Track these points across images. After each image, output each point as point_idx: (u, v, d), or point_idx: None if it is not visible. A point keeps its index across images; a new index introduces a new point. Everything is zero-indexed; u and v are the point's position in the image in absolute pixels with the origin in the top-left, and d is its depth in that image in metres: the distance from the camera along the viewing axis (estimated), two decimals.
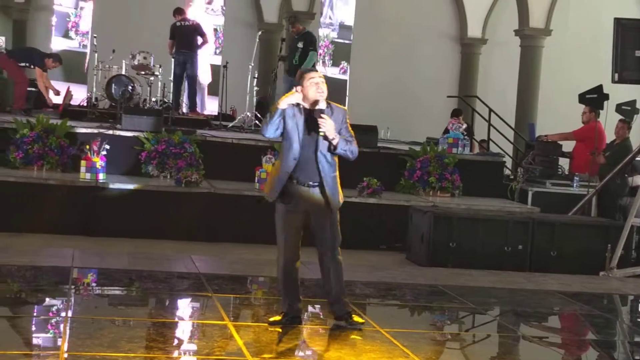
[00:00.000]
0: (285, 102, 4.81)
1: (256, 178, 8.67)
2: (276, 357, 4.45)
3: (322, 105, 4.79)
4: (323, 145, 4.82)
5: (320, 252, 4.98)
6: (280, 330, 4.94)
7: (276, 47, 17.43)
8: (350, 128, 4.94)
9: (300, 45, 10.73)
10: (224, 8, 17.37)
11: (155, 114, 9.77)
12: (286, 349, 4.59)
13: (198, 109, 12.59)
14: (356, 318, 5.00)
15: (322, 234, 4.94)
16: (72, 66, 15.30)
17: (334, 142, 4.79)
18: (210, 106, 14.68)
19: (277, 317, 5.00)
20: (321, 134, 4.76)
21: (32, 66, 11.04)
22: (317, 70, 4.96)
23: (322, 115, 4.75)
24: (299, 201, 4.87)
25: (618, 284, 7.56)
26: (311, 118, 4.79)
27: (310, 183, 4.86)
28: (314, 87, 4.81)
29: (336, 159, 4.93)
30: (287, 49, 11.28)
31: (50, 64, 11.13)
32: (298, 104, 4.82)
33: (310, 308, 5.58)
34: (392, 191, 9.42)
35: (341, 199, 4.98)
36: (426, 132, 11.74)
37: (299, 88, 4.84)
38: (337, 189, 4.93)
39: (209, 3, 17.22)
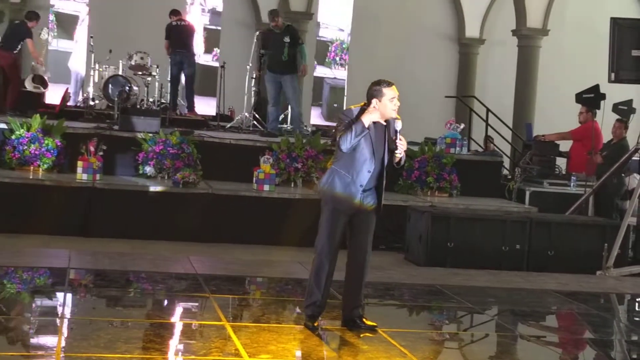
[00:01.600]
0: (368, 120, 4.78)
1: (254, 179, 8.67)
2: (273, 357, 4.44)
3: (398, 125, 4.83)
4: (388, 158, 4.89)
5: (353, 255, 4.96)
6: (278, 331, 4.94)
7: None
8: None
9: (286, 39, 10.34)
10: (222, 8, 17.38)
11: (153, 114, 9.76)
12: (284, 349, 4.58)
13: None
14: (367, 321, 5.01)
15: (364, 238, 4.93)
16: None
17: (402, 162, 4.89)
18: (208, 107, 14.68)
19: (311, 323, 4.96)
20: (398, 155, 4.81)
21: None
22: (393, 84, 4.88)
23: (401, 137, 4.80)
24: (351, 204, 4.86)
25: (615, 283, 7.57)
26: (387, 133, 4.83)
27: (367, 188, 4.87)
28: (392, 105, 4.81)
29: None
30: (270, 45, 10.63)
31: (32, 26, 11.09)
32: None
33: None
34: (390, 191, 9.41)
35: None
36: (424, 132, 11.74)
37: (376, 102, 4.81)
38: (383, 193, 4.97)
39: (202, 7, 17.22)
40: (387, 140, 4.86)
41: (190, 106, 12.06)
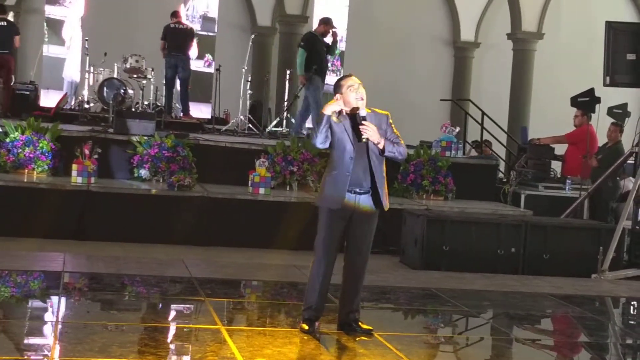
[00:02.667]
0: (329, 109, 4.82)
1: (249, 182, 8.66)
2: None
3: (362, 111, 4.82)
4: (374, 149, 4.84)
5: (351, 259, 4.94)
6: (273, 334, 4.93)
7: (269, 51, 17.48)
8: (395, 130, 4.98)
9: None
10: (215, 13, 17.36)
11: (148, 117, 9.74)
12: (279, 352, 4.57)
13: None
14: (363, 325, 5.00)
15: (360, 242, 4.92)
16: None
17: (380, 146, 4.83)
18: (202, 113, 14.66)
19: (306, 326, 4.95)
20: (363, 139, 4.79)
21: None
22: (351, 75, 4.94)
23: (364, 122, 4.78)
24: (346, 207, 4.86)
25: (610, 286, 7.58)
26: (355, 125, 4.82)
27: (361, 189, 4.86)
28: (353, 93, 4.83)
29: (384, 163, 4.94)
30: (317, 50, 10.51)
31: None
32: (341, 111, 4.84)
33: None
34: None
35: (388, 203, 4.98)
36: (419, 136, 11.75)
37: (338, 95, 4.86)
38: (385, 193, 4.94)
39: (186, 7, 17.17)
40: (355, 127, 4.83)
41: (185, 109, 12.04)
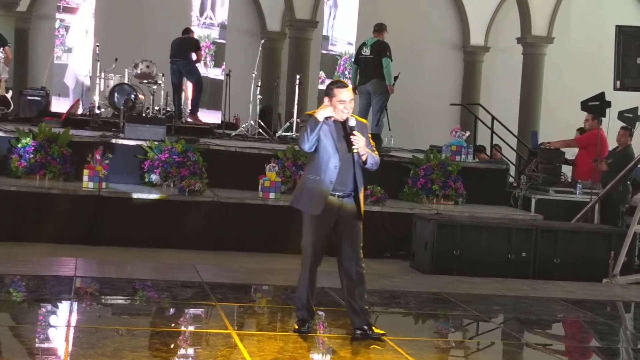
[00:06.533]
0: (321, 115, 4.85)
1: (259, 186, 8.68)
2: None
3: (352, 122, 4.86)
4: (357, 159, 4.90)
5: (343, 263, 4.96)
6: (284, 339, 4.94)
7: (279, 56, 17.53)
8: (371, 140, 5.03)
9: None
10: (227, 17, 17.41)
11: (159, 122, 9.78)
12: (290, 357, 4.58)
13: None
14: (376, 329, 4.99)
15: (348, 244, 4.93)
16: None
17: (363, 158, 4.88)
18: (211, 117, 14.71)
19: (302, 327, 4.99)
20: (354, 150, 4.83)
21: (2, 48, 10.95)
22: (346, 87, 4.93)
23: (354, 132, 4.82)
24: (331, 210, 4.88)
25: (621, 290, 7.54)
26: (344, 131, 4.86)
27: (344, 193, 4.89)
28: (341, 107, 4.86)
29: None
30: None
31: None
32: (330, 116, 4.88)
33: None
34: (396, 199, 9.42)
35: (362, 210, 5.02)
36: (429, 140, 11.74)
37: (327, 100, 4.89)
38: (362, 199, 4.97)
39: (203, 16, 17.24)
40: (345, 137, 4.87)
41: (193, 110, 12.15)
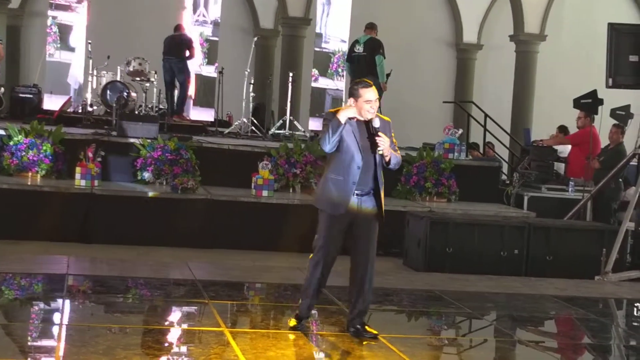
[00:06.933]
0: (343, 116, 4.79)
1: (252, 184, 8.67)
2: None
3: (376, 122, 4.81)
4: (380, 159, 4.86)
5: (357, 261, 4.92)
6: (277, 337, 4.94)
7: (272, 53, 17.52)
8: (394, 139, 4.98)
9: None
10: (220, 14, 17.40)
11: (151, 120, 9.76)
12: (283, 355, 4.58)
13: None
14: (369, 329, 4.99)
15: (365, 244, 4.90)
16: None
17: (387, 159, 4.85)
18: (205, 114, 14.71)
19: (294, 322, 4.98)
20: (379, 152, 4.80)
21: None
22: (371, 86, 4.86)
23: (380, 133, 4.78)
24: (350, 211, 4.85)
25: (613, 288, 7.57)
26: (368, 132, 4.82)
27: (363, 192, 4.86)
28: (367, 107, 4.80)
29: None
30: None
31: None
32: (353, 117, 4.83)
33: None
34: (389, 196, 9.42)
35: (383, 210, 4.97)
36: (422, 138, 11.75)
37: (352, 101, 4.84)
38: (383, 198, 4.94)
39: (196, 13, 17.21)
40: (369, 138, 4.84)
41: (179, 110, 12.16)
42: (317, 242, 4.92)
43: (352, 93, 4.87)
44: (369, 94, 4.83)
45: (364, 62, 10.33)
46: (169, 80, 12.11)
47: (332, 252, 4.90)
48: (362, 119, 4.84)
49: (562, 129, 11.89)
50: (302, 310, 5.01)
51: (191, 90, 15.72)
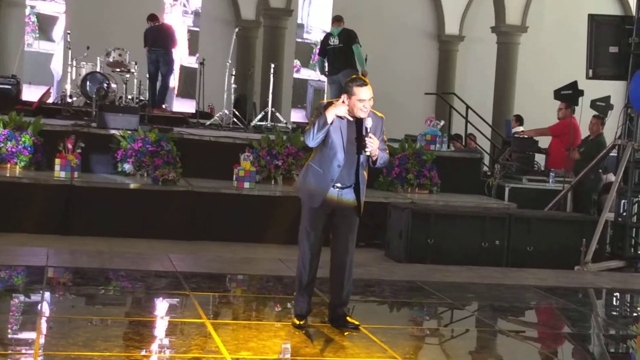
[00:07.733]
0: (332, 115, 4.72)
1: (234, 176, 8.64)
2: (254, 354, 4.43)
3: (368, 123, 4.72)
4: (364, 156, 4.80)
5: (336, 254, 4.91)
6: (259, 328, 4.93)
7: (254, 44, 17.44)
8: (385, 136, 4.91)
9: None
10: (200, 5, 17.29)
11: (131, 111, 9.69)
12: (264, 346, 4.57)
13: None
14: (351, 319, 4.98)
15: (344, 236, 4.88)
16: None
17: (374, 159, 4.80)
18: (187, 106, 14.62)
19: (300, 321, 4.91)
20: (366, 153, 4.73)
21: None
22: (366, 85, 4.75)
23: (370, 135, 4.71)
24: (329, 202, 4.83)
25: (592, 278, 7.64)
26: (358, 131, 4.74)
27: (344, 185, 4.83)
28: (360, 106, 4.72)
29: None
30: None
31: None
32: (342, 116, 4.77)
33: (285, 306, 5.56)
34: (371, 188, 9.41)
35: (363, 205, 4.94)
36: (404, 129, 11.77)
37: (345, 98, 4.75)
38: (364, 193, 4.90)
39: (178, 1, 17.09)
40: (359, 137, 4.78)
41: (158, 101, 12.05)
42: (300, 235, 4.91)
43: (346, 90, 4.78)
44: (364, 93, 4.72)
45: (341, 54, 10.30)
46: (154, 71, 11.96)
47: (316, 243, 4.88)
48: (352, 119, 4.78)
49: (518, 119, 12.18)
50: (301, 307, 4.93)
51: (174, 82, 15.61)
